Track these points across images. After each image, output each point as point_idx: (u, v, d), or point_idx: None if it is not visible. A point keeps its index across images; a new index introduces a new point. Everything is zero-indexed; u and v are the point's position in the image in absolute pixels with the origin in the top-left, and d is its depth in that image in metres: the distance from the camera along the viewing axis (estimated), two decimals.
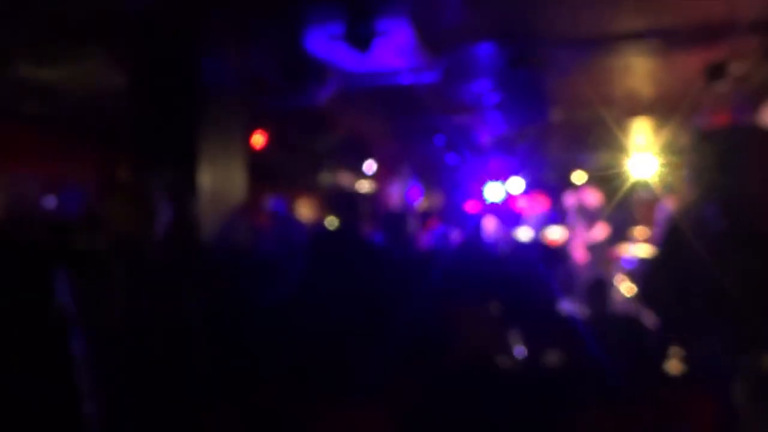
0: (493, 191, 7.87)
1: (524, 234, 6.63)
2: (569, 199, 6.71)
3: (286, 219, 4.84)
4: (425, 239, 5.20)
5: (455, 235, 4.39)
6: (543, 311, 3.78)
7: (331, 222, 3.24)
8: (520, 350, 2.97)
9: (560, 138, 7.79)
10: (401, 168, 7.71)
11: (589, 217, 6.43)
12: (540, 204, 7.51)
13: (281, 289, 2.84)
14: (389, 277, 2.65)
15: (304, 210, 6.82)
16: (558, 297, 3.92)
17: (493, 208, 7.44)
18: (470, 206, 8.04)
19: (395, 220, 3.84)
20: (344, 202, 2.96)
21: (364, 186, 9.21)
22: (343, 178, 8.64)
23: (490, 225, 5.47)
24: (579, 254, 6.33)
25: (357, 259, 2.63)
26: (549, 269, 4.29)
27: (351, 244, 2.70)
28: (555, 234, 6.65)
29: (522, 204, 8.01)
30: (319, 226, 5.90)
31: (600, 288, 3.84)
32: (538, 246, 5.44)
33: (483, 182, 8.04)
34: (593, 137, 6.80)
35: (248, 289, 2.28)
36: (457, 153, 7.97)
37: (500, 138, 7.32)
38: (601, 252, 6.29)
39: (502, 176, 8.17)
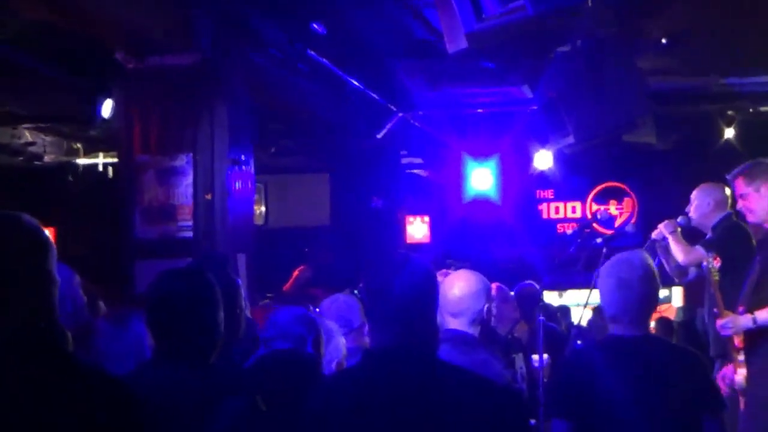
0: (479, 181, 6.67)
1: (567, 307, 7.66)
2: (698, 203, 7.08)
3: None
4: (267, 331, 4.94)
5: (356, 330, 4.61)
6: None
7: None
8: None
9: (665, 34, 8.15)
10: (201, 119, 7.45)
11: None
12: (618, 211, 8.15)
13: None
14: None
15: None
16: None
17: (479, 233, 7.84)
18: (413, 230, 8.56)
19: (183, 274, 3.73)
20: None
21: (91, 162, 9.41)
22: (30, 144, 8.53)
23: (467, 289, 4.99)
24: (729, 371, 6.32)
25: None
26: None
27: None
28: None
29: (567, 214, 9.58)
30: None
31: None
32: (625, 348, 4.65)
33: (454, 163, 8.12)
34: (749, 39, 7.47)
35: None
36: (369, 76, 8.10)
37: (498, 26, 6.74)
38: None
39: (499, 145, 7.96)
